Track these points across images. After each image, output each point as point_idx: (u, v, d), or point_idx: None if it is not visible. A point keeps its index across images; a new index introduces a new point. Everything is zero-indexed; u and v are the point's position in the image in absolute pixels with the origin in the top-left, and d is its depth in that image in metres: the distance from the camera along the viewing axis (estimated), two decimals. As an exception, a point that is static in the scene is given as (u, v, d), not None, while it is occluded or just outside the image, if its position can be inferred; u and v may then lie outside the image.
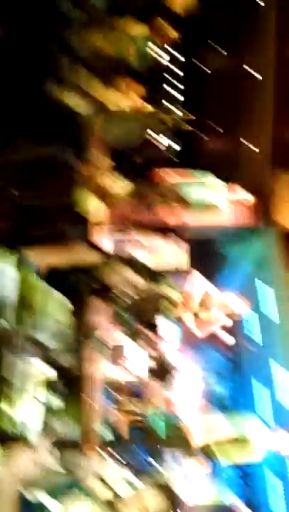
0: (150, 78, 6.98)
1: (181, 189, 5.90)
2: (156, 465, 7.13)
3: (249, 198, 5.84)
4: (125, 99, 5.20)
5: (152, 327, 7.06)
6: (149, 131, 7.20)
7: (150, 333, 6.94)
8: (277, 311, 7.38)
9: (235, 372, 9.32)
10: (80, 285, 3.43)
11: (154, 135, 7.24)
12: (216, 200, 5.78)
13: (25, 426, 3.38)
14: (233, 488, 8.45)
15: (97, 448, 4.37)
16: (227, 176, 7.97)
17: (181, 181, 5.94)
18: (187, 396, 8.15)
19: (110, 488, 4.99)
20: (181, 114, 7.48)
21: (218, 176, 7.70)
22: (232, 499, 8.31)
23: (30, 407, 3.16)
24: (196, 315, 5.35)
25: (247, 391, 9.06)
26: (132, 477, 5.89)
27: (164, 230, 6.91)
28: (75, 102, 4.61)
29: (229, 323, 5.37)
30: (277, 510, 7.31)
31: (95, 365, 4.49)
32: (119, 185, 4.23)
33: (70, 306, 3.41)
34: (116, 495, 4.99)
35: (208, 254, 8.71)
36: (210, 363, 9.33)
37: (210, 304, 5.43)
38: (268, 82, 6.66)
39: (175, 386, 6.90)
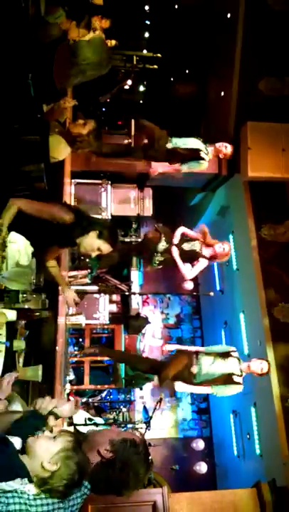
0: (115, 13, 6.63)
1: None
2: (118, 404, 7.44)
3: (228, 147, 5.76)
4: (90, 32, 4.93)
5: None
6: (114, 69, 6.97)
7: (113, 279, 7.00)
8: (236, 257, 7.60)
9: (196, 316, 9.67)
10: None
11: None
12: (204, 152, 5.69)
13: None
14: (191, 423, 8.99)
15: (60, 387, 4.46)
16: (193, 121, 7.90)
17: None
18: (149, 339, 8.41)
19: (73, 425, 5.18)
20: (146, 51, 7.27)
21: (184, 121, 7.61)
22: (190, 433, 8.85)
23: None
24: (179, 247, 5.38)
25: (206, 334, 9.45)
26: (93, 416, 6.12)
27: (129, 177, 6.82)
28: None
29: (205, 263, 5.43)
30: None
31: (57, 309, 4.51)
32: (84, 127, 4.08)
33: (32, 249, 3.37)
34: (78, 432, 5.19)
35: (172, 201, 8.74)
36: (171, 307, 9.62)
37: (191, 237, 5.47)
38: (239, 20, 6.48)
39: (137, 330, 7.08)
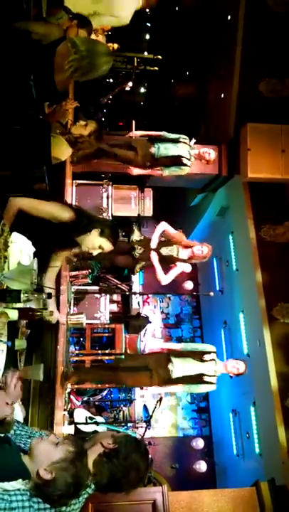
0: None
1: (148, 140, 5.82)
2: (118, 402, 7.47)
3: (211, 153, 5.84)
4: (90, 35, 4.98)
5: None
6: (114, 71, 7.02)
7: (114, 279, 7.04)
8: (236, 258, 7.64)
9: (196, 316, 9.70)
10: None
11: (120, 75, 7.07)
12: (183, 151, 5.75)
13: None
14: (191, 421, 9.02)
15: (60, 386, 4.50)
16: (193, 122, 7.94)
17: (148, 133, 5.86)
18: (149, 339, 8.43)
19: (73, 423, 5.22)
20: (147, 53, 7.31)
21: (184, 122, 7.65)
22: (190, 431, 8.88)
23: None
24: (157, 252, 5.42)
25: (206, 334, 9.49)
26: (94, 415, 6.15)
27: (129, 178, 6.85)
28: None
29: (189, 268, 5.49)
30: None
31: (59, 309, 4.54)
32: (86, 128, 4.11)
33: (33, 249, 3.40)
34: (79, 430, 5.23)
35: (172, 202, 8.77)
36: (171, 307, 9.65)
37: (172, 240, 5.50)
38: (239, 22, 6.51)
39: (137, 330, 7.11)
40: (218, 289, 8.46)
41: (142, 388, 5.70)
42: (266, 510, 5.14)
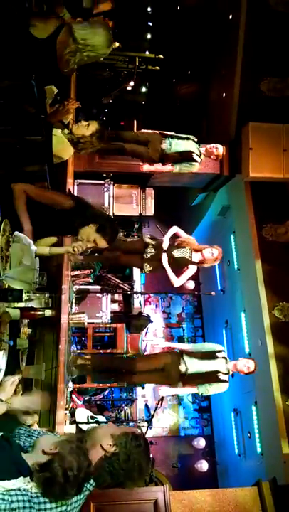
0: (118, 14, 6.68)
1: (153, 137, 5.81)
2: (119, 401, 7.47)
3: (218, 148, 5.83)
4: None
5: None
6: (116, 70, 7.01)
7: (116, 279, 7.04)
8: (237, 257, 7.64)
9: (197, 315, 9.70)
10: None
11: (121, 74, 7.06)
12: (193, 147, 5.74)
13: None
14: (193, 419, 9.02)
15: (63, 386, 4.50)
16: (195, 121, 7.93)
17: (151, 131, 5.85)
18: (151, 338, 8.44)
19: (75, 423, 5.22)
20: (148, 53, 7.29)
21: (185, 121, 7.64)
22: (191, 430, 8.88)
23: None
24: (169, 253, 5.40)
25: (207, 334, 9.49)
26: (95, 414, 6.15)
27: (131, 178, 6.84)
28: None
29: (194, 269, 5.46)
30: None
31: (60, 308, 4.55)
32: (87, 128, 4.12)
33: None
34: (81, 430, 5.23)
35: (174, 201, 8.77)
36: (173, 307, 9.65)
37: (181, 242, 5.48)
38: (240, 21, 6.50)
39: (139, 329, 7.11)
40: (219, 288, 8.47)
41: (158, 388, 5.64)
42: (268, 509, 5.14)
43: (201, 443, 8.51)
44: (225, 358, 4.97)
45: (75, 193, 6.37)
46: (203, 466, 8.16)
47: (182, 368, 4.86)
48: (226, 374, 4.88)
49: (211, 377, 4.86)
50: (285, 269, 6.60)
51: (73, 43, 3.07)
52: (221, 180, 7.17)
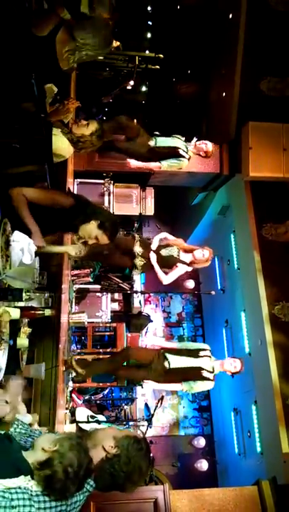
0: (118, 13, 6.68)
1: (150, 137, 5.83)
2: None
3: (208, 144, 5.86)
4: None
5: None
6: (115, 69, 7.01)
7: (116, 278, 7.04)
8: (237, 257, 7.64)
9: (197, 314, 9.70)
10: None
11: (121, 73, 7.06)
12: (179, 144, 5.78)
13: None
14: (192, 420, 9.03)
15: (62, 385, 4.50)
16: (194, 121, 7.93)
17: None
18: (151, 337, 8.44)
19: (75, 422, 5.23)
20: (148, 52, 7.29)
21: (185, 121, 7.64)
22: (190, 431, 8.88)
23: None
24: (157, 253, 5.42)
25: (207, 333, 9.49)
26: (95, 413, 6.16)
27: (131, 177, 6.84)
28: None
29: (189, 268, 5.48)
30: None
31: (60, 307, 4.55)
32: (87, 128, 4.12)
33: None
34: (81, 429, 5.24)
35: (174, 201, 8.77)
36: (173, 306, 9.65)
37: (171, 243, 5.52)
38: (240, 21, 6.49)
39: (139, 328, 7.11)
40: (219, 287, 8.47)
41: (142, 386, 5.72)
42: (268, 509, 5.14)
43: (201, 442, 8.51)
44: (209, 356, 5.01)
45: (75, 193, 6.37)
46: (203, 465, 8.16)
47: (166, 364, 4.92)
48: (210, 372, 4.92)
49: (195, 374, 4.91)
50: (285, 268, 6.60)
51: (72, 41, 3.07)
52: (220, 179, 7.17)
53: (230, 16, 6.97)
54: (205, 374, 4.89)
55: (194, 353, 4.99)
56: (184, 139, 5.85)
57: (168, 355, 4.97)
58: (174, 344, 5.41)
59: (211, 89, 7.86)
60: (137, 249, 5.45)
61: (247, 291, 7.22)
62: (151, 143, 5.76)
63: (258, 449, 6.67)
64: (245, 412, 7.31)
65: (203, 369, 4.90)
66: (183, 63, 8.12)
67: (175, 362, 4.92)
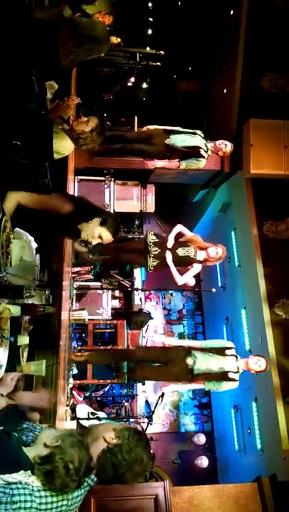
0: (119, 10, 6.67)
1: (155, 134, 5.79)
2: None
3: (228, 145, 5.80)
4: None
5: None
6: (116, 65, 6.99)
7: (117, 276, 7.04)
8: (238, 254, 7.64)
9: (198, 312, 9.70)
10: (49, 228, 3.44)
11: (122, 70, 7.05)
12: (200, 143, 5.72)
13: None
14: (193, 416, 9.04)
15: (63, 382, 4.51)
16: (195, 118, 7.92)
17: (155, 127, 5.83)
18: (151, 334, 8.45)
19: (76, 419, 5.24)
20: (149, 49, 7.27)
21: (186, 117, 7.62)
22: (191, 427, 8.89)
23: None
24: (173, 252, 5.37)
25: (208, 330, 9.49)
26: (96, 410, 6.17)
27: (131, 174, 6.83)
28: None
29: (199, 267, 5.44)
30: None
31: (61, 304, 4.55)
32: (87, 124, 4.11)
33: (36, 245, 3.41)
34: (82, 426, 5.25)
35: (175, 198, 8.76)
36: (173, 303, 9.65)
37: (186, 240, 5.45)
38: (241, 17, 6.47)
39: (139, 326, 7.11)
40: (220, 285, 8.47)
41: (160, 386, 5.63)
42: (268, 505, 5.16)
43: (201, 439, 8.53)
44: (235, 356, 4.88)
45: (76, 190, 6.37)
46: (203, 462, 8.18)
47: (189, 361, 4.80)
48: (235, 372, 4.80)
49: (220, 375, 4.78)
50: (286, 266, 6.60)
51: (73, 37, 3.07)
52: (221, 176, 7.16)
53: (232, 12, 6.96)
54: (231, 375, 4.76)
55: (221, 352, 4.85)
56: (203, 135, 5.76)
57: (196, 354, 4.83)
58: (197, 343, 5.22)
59: (212, 86, 7.85)
60: (153, 249, 5.40)
61: (247, 289, 7.22)
62: (168, 141, 5.64)
63: (258, 446, 6.69)
64: (245, 409, 7.33)
65: (229, 371, 4.76)
66: (184, 60, 8.11)
67: (203, 364, 4.77)
